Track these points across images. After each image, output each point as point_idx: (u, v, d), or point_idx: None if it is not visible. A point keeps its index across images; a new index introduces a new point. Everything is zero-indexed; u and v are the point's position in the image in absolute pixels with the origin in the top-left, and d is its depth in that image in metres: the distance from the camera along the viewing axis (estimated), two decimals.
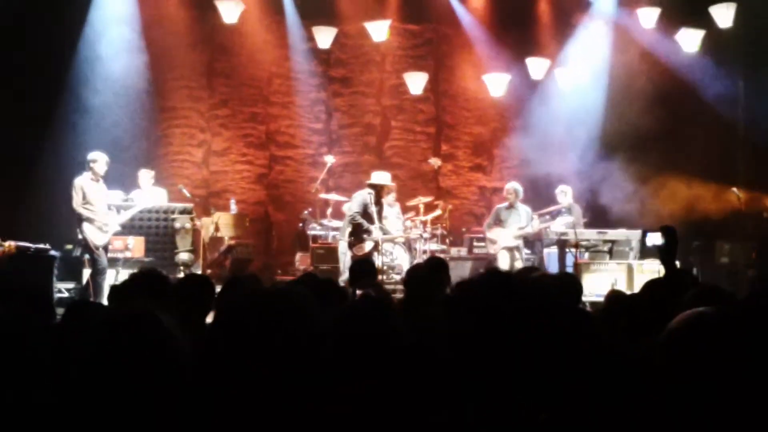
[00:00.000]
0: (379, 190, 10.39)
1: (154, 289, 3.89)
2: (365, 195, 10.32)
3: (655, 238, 4.20)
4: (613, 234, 10.97)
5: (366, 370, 2.42)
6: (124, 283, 4.30)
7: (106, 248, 9.60)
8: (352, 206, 10.42)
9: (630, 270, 10.05)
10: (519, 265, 11.13)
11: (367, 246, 10.17)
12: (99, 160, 9.49)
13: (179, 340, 2.01)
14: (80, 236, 9.56)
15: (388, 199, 11.89)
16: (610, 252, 10.85)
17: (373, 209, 10.23)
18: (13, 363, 2.42)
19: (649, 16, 12.85)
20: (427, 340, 2.61)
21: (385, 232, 10.43)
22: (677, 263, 4.15)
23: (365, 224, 10.11)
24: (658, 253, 4.16)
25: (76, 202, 9.36)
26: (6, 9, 11.24)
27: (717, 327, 1.81)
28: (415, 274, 5.32)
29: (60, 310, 4.11)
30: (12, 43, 11.68)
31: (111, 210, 9.78)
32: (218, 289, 4.43)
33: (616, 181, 12.83)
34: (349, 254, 10.18)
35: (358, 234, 10.18)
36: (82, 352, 1.96)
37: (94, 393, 1.91)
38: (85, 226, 9.38)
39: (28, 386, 2.29)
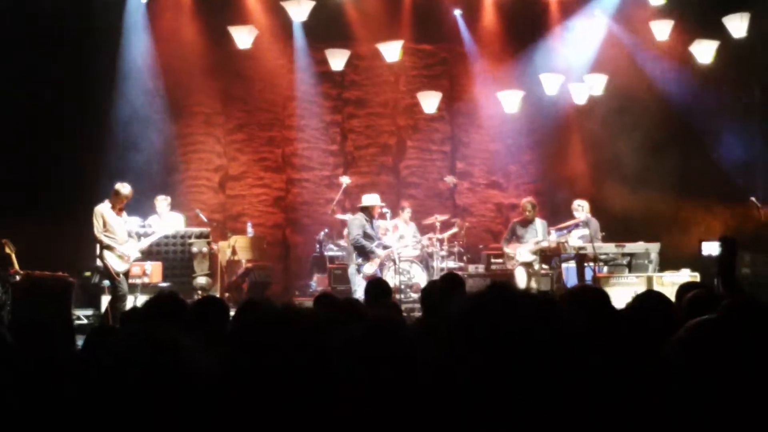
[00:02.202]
0: (370, 211, 10.59)
1: (169, 312, 3.90)
2: (360, 218, 10.57)
3: (712, 249, 4.17)
4: (631, 247, 10.86)
5: (380, 387, 2.41)
6: (139, 308, 4.31)
7: (126, 275, 9.67)
8: (351, 232, 10.60)
9: (650, 282, 9.97)
10: (536, 280, 11.12)
11: (377, 263, 10.39)
12: (122, 190, 9.55)
13: (200, 361, 2.02)
14: (100, 263, 9.65)
15: (404, 217, 11.95)
16: (629, 265, 10.76)
17: (370, 230, 10.46)
18: (38, 391, 2.44)
19: (662, 29, 12.79)
20: (442, 357, 2.60)
21: (385, 246, 10.67)
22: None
23: (368, 246, 10.33)
24: (717, 264, 4.08)
25: (97, 230, 9.44)
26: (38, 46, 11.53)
27: (716, 331, 1.80)
28: (430, 291, 5.32)
29: (80, 337, 4.15)
30: (41, 75, 11.84)
31: (132, 237, 9.83)
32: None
33: (631, 194, 12.75)
34: (358, 276, 10.31)
35: (365, 255, 10.30)
36: (104, 376, 1.96)
37: (121, 417, 1.91)
38: (106, 253, 9.46)
39: (54, 410, 2.31)
